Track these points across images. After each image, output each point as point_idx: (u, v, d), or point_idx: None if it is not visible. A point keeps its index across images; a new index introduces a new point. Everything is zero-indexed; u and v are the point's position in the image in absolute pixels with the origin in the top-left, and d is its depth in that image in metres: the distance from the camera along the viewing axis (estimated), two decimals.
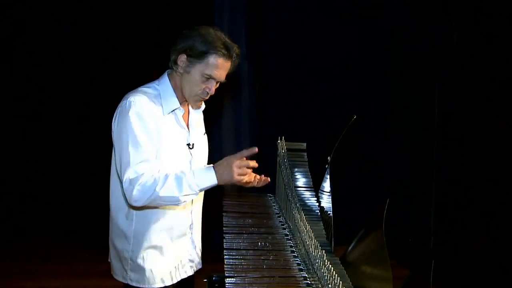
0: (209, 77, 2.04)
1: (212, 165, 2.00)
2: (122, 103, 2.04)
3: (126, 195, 1.98)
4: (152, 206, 2.04)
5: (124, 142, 1.99)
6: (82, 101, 4.84)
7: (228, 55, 2.03)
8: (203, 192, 2.31)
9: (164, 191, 1.93)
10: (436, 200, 4.39)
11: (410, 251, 4.03)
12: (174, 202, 1.98)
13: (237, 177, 1.96)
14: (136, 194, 1.93)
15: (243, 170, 1.97)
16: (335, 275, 1.57)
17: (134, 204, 1.97)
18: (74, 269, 4.31)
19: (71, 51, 4.79)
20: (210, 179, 1.96)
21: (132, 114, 1.99)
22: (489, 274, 3.63)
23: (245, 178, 2.00)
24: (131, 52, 4.65)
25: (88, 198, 4.79)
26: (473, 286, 3.78)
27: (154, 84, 2.13)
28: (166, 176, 1.95)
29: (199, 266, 2.34)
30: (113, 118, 2.08)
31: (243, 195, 2.71)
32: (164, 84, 2.12)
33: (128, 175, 1.95)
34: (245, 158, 1.99)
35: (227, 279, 1.75)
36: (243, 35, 4.32)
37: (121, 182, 2.02)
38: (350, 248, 1.97)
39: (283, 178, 2.43)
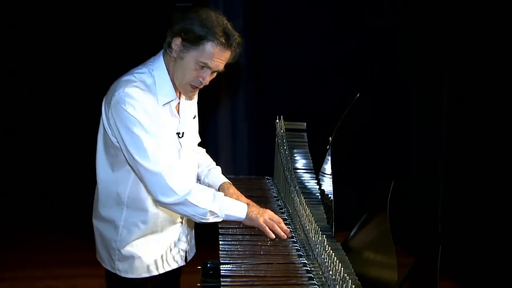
0: (204, 66, 1.97)
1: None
2: (117, 95, 1.94)
3: (155, 189, 1.95)
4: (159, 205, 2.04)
5: (134, 135, 1.92)
6: (65, 90, 4.84)
7: (226, 44, 1.94)
8: (195, 175, 2.32)
9: (197, 199, 1.95)
10: (445, 183, 4.37)
11: (416, 237, 4.03)
12: (197, 214, 1.98)
13: (262, 223, 2.01)
14: (170, 191, 1.93)
15: (273, 224, 2.01)
16: (336, 262, 1.56)
17: (160, 199, 1.96)
18: (60, 258, 4.32)
19: (61, 40, 4.76)
20: (240, 210, 2.04)
21: (133, 104, 1.92)
22: (500, 263, 3.63)
23: (268, 230, 2.00)
24: (120, 37, 4.62)
25: (74, 185, 4.79)
26: (483, 275, 3.79)
27: (148, 68, 2.04)
28: (204, 186, 2.02)
29: (192, 254, 2.34)
30: (106, 108, 2.00)
31: (239, 178, 2.71)
32: (159, 69, 2.03)
33: (154, 168, 1.92)
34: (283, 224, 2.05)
35: (222, 266, 1.74)
36: (240, 11, 4.28)
37: (135, 174, 2.01)
38: (352, 233, 1.97)
39: (281, 159, 2.42)
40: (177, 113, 2.11)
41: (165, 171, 1.93)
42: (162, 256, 2.17)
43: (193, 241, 2.36)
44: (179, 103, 2.13)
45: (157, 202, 2.02)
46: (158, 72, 2.03)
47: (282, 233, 2.00)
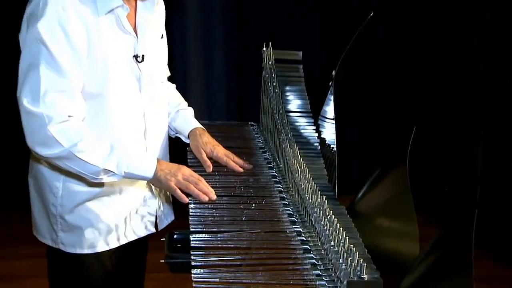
0: None
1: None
2: (33, 1, 1.92)
3: (32, 136, 1.92)
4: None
5: (34, 61, 1.88)
6: None
7: None
8: (165, 115, 2.31)
9: (87, 152, 1.91)
10: (487, 134, 4.32)
11: (445, 204, 4.05)
12: (86, 172, 1.95)
13: (173, 186, 2.02)
14: (51, 140, 1.88)
15: (187, 185, 2.01)
16: (339, 229, 1.57)
17: (38, 150, 1.92)
18: None
19: None
20: (145, 168, 2.01)
21: (48, 21, 1.86)
22: None
23: (180, 194, 2.01)
24: None
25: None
26: None
27: None
28: (96, 137, 1.95)
29: (167, 221, 2.35)
30: (22, 22, 1.96)
31: (215, 123, 2.71)
32: None
33: (39, 108, 1.87)
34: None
35: (193, 236, 1.75)
36: None
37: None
38: (361, 193, 1.99)
39: (270, 99, 2.42)
40: (132, 29, 2.06)
41: (49, 115, 1.88)
42: (125, 221, 2.17)
43: (168, 205, 2.36)
44: (136, 15, 2.09)
45: (36, 155, 1.98)
46: None
47: (202, 195, 2.00)
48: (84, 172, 1.95)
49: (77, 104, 1.95)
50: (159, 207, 2.29)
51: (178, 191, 2.00)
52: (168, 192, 2.31)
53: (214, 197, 2.02)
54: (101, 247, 2.14)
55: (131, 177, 2.02)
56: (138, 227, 2.23)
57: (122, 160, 1.97)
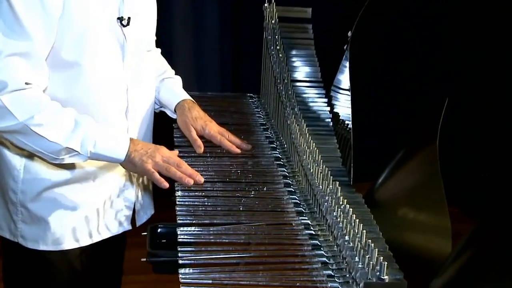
0: None
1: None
2: None
3: None
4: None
5: None
6: None
7: None
8: (151, 95, 2.31)
9: (46, 127, 1.89)
10: None
11: (483, 193, 4.06)
12: (45, 150, 1.93)
13: (150, 169, 2.00)
14: (3, 111, 1.87)
15: (168, 167, 2.01)
16: (355, 221, 1.57)
17: None
18: None
19: None
20: (116, 148, 2.00)
21: None
22: None
23: (158, 178, 2.00)
24: None
25: None
26: None
27: None
28: (60, 108, 1.94)
29: (146, 216, 2.36)
30: None
31: (206, 95, 2.72)
32: None
33: None
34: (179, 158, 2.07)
35: (181, 229, 1.75)
36: None
37: None
38: (381, 179, 1.99)
39: (272, 66, 2.42)
40: None
41: (3, 81, 1.86)
42: (97, 214, 2.17)
43: (148, 196, 2.37)
44: None
45: None
46: None
47: (186, 178, 2.00)
48: (42, 150, 1.94)
49: (39, 71, 1.94)
50: (138, 199, 2.30)
51: (157, 174, 1.99)
52: (146, 180, 2.32)
53: (201, 179, 2.01)
54: (69, 244, 2.15)
55: (99, 159, 2.01)
56: (112, 223, 2.24)
57: (88, 137, 1.95)
